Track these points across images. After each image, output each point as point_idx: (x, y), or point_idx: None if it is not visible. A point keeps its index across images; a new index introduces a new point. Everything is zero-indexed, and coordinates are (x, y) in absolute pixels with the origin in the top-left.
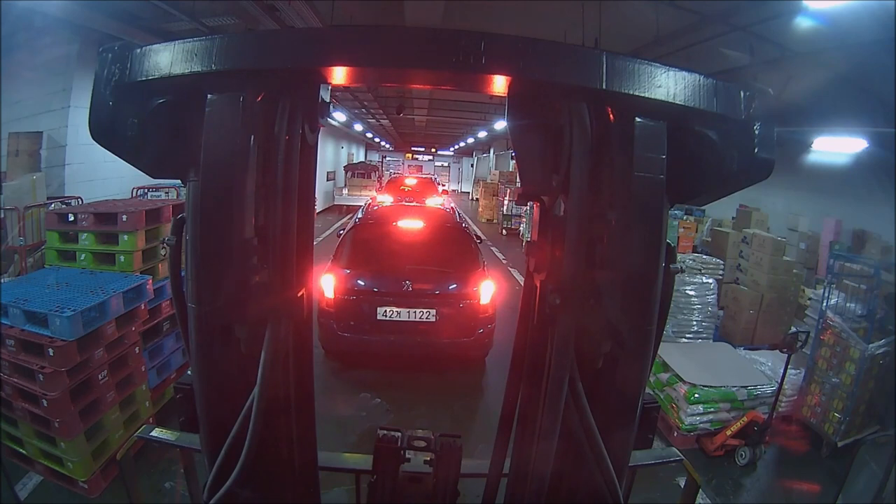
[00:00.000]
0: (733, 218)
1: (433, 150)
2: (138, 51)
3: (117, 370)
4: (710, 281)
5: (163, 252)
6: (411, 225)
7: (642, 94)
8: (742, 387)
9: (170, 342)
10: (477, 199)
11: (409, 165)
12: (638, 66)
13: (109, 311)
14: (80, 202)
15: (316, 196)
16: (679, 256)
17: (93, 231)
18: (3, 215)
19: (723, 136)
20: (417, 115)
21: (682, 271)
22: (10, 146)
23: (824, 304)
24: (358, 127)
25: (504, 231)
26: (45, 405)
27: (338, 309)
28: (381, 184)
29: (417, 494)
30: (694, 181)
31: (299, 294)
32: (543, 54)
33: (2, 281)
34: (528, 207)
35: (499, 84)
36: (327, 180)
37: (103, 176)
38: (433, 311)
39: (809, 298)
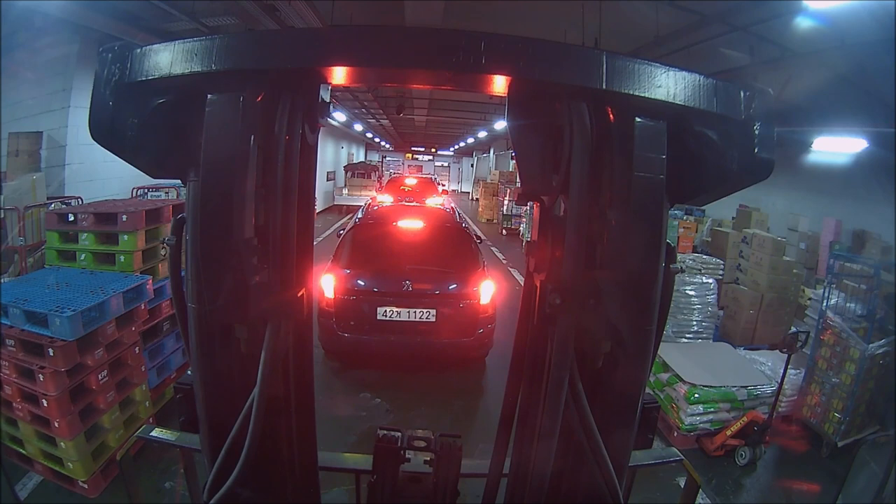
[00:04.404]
0: (733, 218)
1: (433, 150)
2: (138, 51)
3: (117, 370)
4: (710, 281)
5: (163, 252)
6: (411, 225)
7: (642, 94)
8: (742, 387)
9: (170, 342)
10: (477, 199)
11: (409, 165)
12: (638, 66)
13: (109, 311)
14: (80, 202)
15: (316, 196)
16: (679, 256)
17: (93, 231)
18: (3, 215)
19: (723, 136)
20: (417, 115)
21: (682, 271)
22: (10, 146)
23: (824, 304)
24: (358, 127)
25: (504, 231)
26: (45, 405)
27: (338, 309)
28: (381, 184)
29: (417, 494)
30: (694, 181)
31: (299, 294)
32: (543, 54)
33: (2, 281)
34: (528, 207)
35: (499, 84)
36: (327, 180)
37: (103, 176)
38: (433, 311)
39: (809, 298)
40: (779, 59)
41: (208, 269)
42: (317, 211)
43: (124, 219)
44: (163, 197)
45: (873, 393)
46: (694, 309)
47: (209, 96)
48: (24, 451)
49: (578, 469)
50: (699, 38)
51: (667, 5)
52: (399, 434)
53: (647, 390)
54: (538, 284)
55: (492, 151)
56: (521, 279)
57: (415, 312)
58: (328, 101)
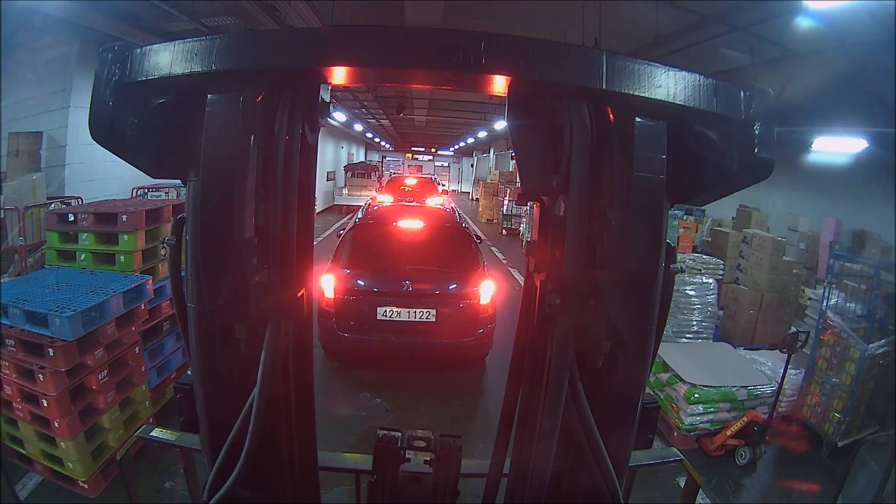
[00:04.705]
0: (733, 218)
1: (433, 150)
2: (138, 51)
3: (117, 370)
4: (710, 281)
5: (163, 252)
6: (411, 225)
7: (642, 94)
8: (742, 387)
9: (170, 342)
10: (477, 199)
11: (409, 165)
12: (638, 66)
13: (109, 311)
14: (80, 202)
15: (316, 196)
16: (679, 256)
17: (93, 231)
18: (3, 215)
19: (723, 136)
20: (417, 115)
21: (682, 271)
22: (10, 146)
23: (824, 304)
24: (358, 127)
25: (504, 231)
26: (45, 405)
27: (338, 309)
28: (381, 184)
29: (417, 494)
30: (694, 181)
31: (299, 294)
32: (543, 54)
33: (2, 281)
34: (528, 207)
35: (499, 84)
36: (327, 180)
37: (103, 176)
38: (433, 311)
39: (809, 298)
40: (779, 59)
41: (208, 269)
42: (317, 211)
43: (124, 219)
44: (163, 197)
45: (873, 393)
46: (694, 309)
47: (209, 96)
48: (24, 451)
49: (578, 469)
50: (699, 38)
51: (667, 5)
52: (399, 434)
53: (647, 390)
54: (538, 284)
55: (492, 151)
56: (521, 279)
57: (415, 312)
58: (328, 101)
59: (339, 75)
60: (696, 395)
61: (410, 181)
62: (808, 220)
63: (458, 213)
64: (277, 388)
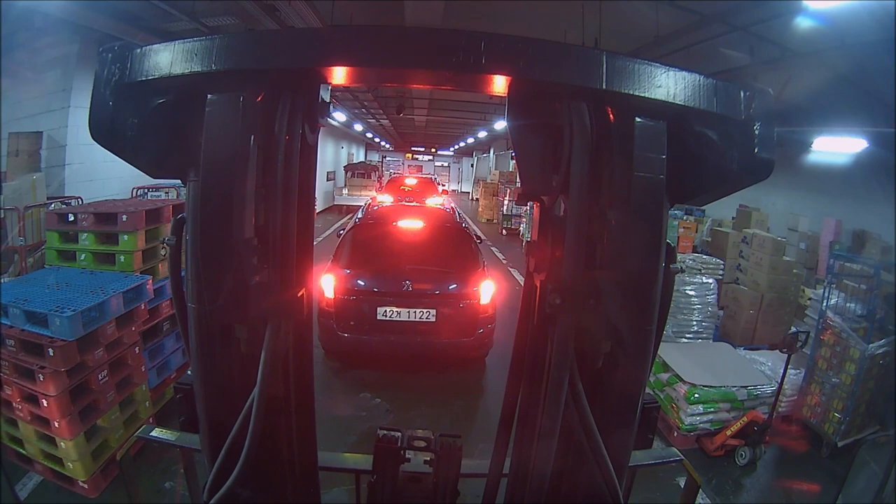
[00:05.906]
0: (733, 218)
1: (433, 150)
2: (138, 51)
3: (117, 370)
4: (710, 281)
5: (163, 252)
6: (411, 225)
7: (642, 94)
8: (742, 387)
9: (170, 342)
10: (477, 199)
11: (409, 165)
12: (638, 66)
13: (109, 311)
14: (80, 202)
15: (316, 196)
16: (679, 256)
17: (93, 231)
18: (3, 215)
19: (723, 136)
20: (417, 115)
21: (682, 271)
22: (10, 146)
23: (824, 304)
24: (358, 127)
25: (504, 231)
26: (45, 405)
27: (338, 309)
28: (380, 184)
29: (417, 494)
30: (694, 181)
31: (299, 294)
32: (543, 54)
33: (2, 281)
34: (528, 207)
35: (499, 84)
36: (327, 180)
37: (103, 176)
38: (433, 311)
39: (809, 298)
40: (779, 59)
41: (208, 269)
42: (317, 211)
43: (124, 219)
44: (163, 197)
45: (873, 393)
46: (694, 309)
47: (209, 96)
48: (24, 451)
49: (578, 469)
50: (699, 38)
51: (667, 5)
52: (399, 434)
53: (647, 390)
54: (538, 284)
55: (492, 151)
56: (521, 279)
57: (415, 312)
58: (328, 101)
59: (339, 75)
60: (696, 395)
61: (410, 181)
62: (808, 220)
63: (458, 213)
64: (277, 388)
